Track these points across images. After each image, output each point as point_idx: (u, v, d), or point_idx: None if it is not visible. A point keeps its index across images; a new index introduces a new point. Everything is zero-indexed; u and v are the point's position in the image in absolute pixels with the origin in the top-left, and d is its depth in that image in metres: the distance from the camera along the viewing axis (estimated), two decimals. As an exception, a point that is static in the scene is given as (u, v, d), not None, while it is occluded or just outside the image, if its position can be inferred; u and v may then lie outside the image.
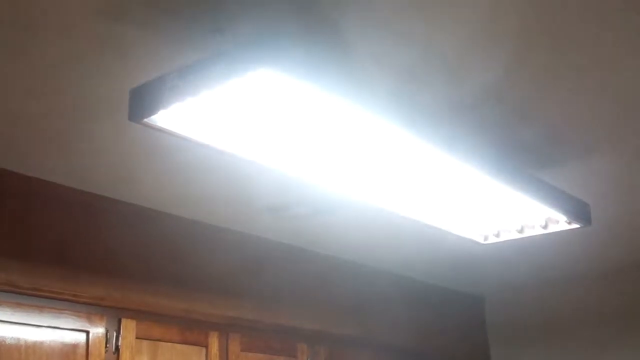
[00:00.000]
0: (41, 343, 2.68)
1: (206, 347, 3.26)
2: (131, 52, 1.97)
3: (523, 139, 2.63)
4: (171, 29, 1.86)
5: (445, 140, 2.12)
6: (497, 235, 2.83)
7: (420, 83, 2.21)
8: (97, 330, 2.85)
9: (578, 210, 2.66)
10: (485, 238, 2.86)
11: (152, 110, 1.76)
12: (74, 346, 2.77)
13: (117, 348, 2.90)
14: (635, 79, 2.24)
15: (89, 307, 2.86)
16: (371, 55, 2.05)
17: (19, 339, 2.63)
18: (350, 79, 2.06)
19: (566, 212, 2.59)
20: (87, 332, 2.82)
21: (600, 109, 2.43)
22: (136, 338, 2.98)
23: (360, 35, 1.96)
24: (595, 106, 2.41)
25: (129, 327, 2.96)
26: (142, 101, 1.78)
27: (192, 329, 3.23)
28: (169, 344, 3.12)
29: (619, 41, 2.03)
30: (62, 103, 2.25)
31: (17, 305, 2.65)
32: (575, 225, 2.67)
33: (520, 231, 2.78)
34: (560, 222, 2.68)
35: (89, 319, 2.84)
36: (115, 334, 2.91)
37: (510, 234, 2.81)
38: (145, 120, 1.78)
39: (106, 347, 2.86)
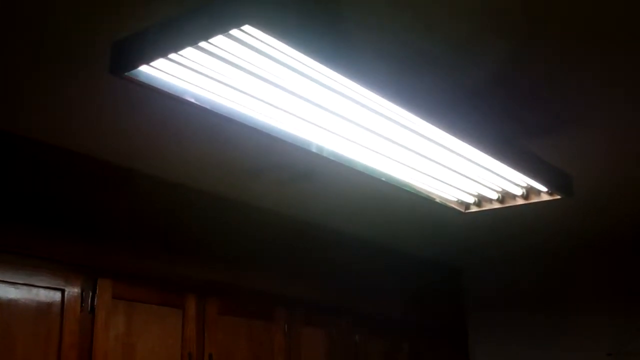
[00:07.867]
0: (16, 301, 2.65)
1: (183, 309, 3.24)
2: (113, 2, 1.92)
3: (516, 114, 2.63)
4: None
5: (429, 109, 2.10)
6: (478, 205, 2.83)
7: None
8: (73, 290, 2.83)
9: (560, 181, 2.66)
10: (467, 207, 2.86)
11: (133, 65, 1.73)
12: (49, 305, 2.74)
13: (92, 308, 2.87)
14: (624, 55, 2.24)
15: (65, 266, 2.83)
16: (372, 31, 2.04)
17: (-7, 296, 2.61)
18: (338, 36, 2.03)
19: (548, 182, 2.59)
20: (63, 291, 2.79)
21: (586, 82, 2.42)
22: (112, 298, 2.95)
23: (363, 14, 1.94)
24: (581, 79, 2.40)
25: (105, 287, 2.93)
26: (123, 55, 1.75)
27: (169, 291, 3.21)
28: (146, 305, 3.10)
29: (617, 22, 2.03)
30: (37, 54, 2.20)
31: (-8, 262, 2.62)
32: (556, 196, 2.67)
33: (501, 201, 2.78)
34: (541, 193, 2.68)
35: (65, 278, 2.81)
36: (91, 294, 2.88)
37: (491, 204, 2.81)
38: (127, 74, 1.75)
39: (82, 306, 2.84)
